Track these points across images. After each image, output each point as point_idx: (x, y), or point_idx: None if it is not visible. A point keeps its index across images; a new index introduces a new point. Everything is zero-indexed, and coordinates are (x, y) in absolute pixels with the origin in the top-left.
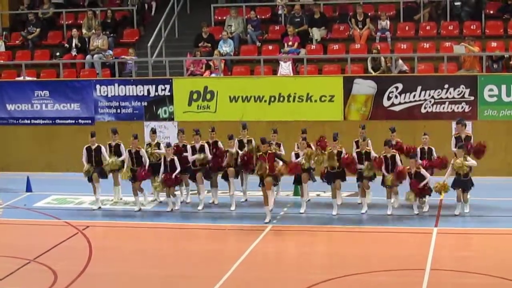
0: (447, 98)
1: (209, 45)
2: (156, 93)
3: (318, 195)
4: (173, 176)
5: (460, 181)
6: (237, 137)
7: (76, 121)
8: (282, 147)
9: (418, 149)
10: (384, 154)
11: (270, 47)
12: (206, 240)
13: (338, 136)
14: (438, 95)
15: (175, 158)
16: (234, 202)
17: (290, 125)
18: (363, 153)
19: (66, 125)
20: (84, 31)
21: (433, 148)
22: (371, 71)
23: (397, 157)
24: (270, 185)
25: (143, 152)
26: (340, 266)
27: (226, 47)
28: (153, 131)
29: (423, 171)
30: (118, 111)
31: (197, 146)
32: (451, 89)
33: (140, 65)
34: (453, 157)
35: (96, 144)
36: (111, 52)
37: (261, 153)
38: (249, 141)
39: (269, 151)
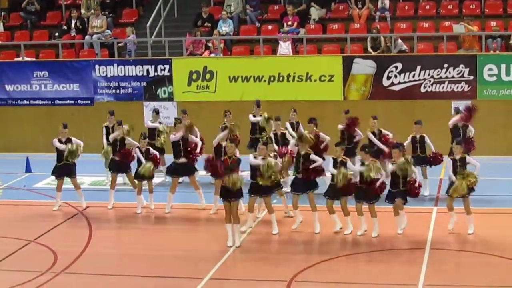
0: (446, 77)
1: (209, 25)
2: (156, 73)
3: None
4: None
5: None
6: (252, 113)
7: (76, 102)
8: (301, 126)
9: (410, 138)
10: (362, 161)
11: (270, 27)
12: (208, 222)
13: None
14: (437, 75)
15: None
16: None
17: (290, 105)
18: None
19: (65, 105)
20: (83, 11)
21: (425, 136)
22: (371, 50)
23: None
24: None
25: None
26: (339, 246)
27: (225, 27)
28: (156, 112)
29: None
30: (118, 91)
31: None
32: (451, 69)
33: (139, 45)
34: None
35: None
36: (110, 32)
37: (226, 156)
38: (268, 118)
39: (234, 157)
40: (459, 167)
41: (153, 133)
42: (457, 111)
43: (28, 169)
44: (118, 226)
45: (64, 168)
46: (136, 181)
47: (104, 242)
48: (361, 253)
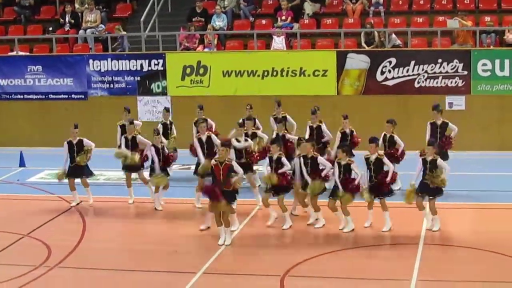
0: (440, 72)
1: (203, 19)
2: (149, 68)
3: None
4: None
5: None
6: (272, 114)
7: (69, 96)
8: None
9: (382, 135)
10: (338, 161)
11: (263, 22)
12: (202, 217)
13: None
14: (431, 70)
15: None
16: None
17: (283, 99)
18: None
19: (59, 100)
20: (77, 5)
21: (395, 136)
22: (365, 45)
23: (353, 166)
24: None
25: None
26: (333, 241)
27: (219, 22)
28: (167, 110)
29: (385, 160)
30: (111, 86)
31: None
32: (445, 64)
33: (133, 40)
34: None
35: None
36: (103, 26)
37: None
38: (284, 118)
39: (226, 161)
40: (429, 169)
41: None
42: (434, 108)
43: (22, 163)
44: (112, 220)
45: (77, 170)
46: (150, 178)
47: (98, 236)
48: (355, 248)
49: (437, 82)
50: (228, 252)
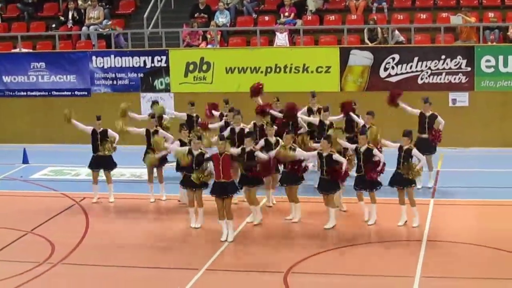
0: (444, 69)
1: (206, 16)
2: (152, 65)
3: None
4: None
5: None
6: (307, 105)
7: (72, 93)
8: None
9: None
10: (320, 151)
11: (266, 18)
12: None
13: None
14: (435, 66)
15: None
16: None
17: (287, 96)
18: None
19: (62, 96)
20: (80, 2)
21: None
22: (368, 42)
23: (336, 156)
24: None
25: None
26: (336, 238)
27: (222, 18)
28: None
29: (375, 151)
30: (114, 82)
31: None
32: (448, 60)
33: (136, 37)
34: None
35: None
36: (109, 21)
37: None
38: (319, 109)
39: (226, 152)
40: (404, 157)
41: (190, 121)
42: (425, 101)
43: (25, 160)
44: (115, 217)
45: (101, 161)
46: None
47: (101, 233)
48: (358, 244)
49: (440, 79)
50: (231, 248)
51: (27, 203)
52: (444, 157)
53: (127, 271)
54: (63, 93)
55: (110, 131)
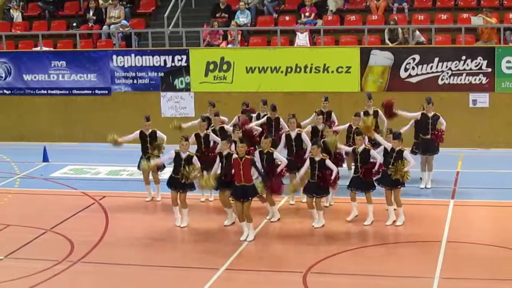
0: (464, 70)
1: (226, 15)
2: (173, 64)
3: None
4: None
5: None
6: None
7: (93, 92)
8: (333, 115)
9: (347, 125)
10: (311, 156)
11: (287, 18)
12: (220, 214)
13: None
14: (455, 67)
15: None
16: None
17: (307, 96)
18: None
19: (82, 95)
20: (100, 1)
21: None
22: (388, 42)
23: (328, 162)
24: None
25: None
26: (356, 238)
27: (243, 18)
28: (213, 105)
29: (372, 152)
30: (135, 81)
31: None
32: (469, 61)
33: (156, 36)
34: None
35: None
36: (127, 23)
37: (237, 156)
38: (375, 112)
39: (246, 156)
40: (395, 158)
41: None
42: (429, 101)
43: (45, 159)
44: (135, 216)
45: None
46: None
47: (121, 231)
48: (376, 245)
49: (460, 79)
50: (250, 248)
51: (47, 201)
52: (464, 158)
53: (146, 270)
54: (84, 92)
55: (159, 133)
